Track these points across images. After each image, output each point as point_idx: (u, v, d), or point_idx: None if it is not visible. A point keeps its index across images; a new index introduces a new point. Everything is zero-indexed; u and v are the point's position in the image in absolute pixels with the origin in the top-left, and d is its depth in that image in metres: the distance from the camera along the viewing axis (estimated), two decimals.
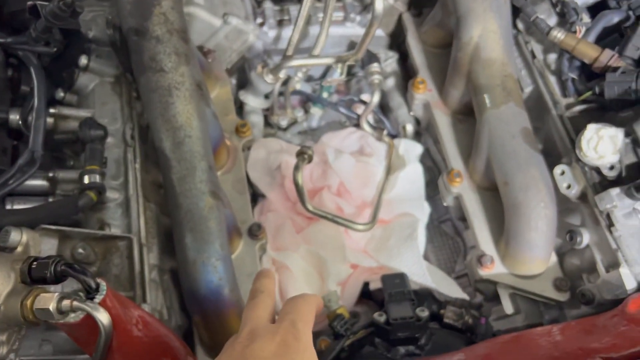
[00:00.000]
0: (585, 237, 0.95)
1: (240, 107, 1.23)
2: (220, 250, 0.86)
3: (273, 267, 1.01)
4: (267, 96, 1.22)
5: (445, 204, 1.11)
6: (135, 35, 0.93)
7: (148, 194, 0.96)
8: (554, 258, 0.98)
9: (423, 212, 1.08)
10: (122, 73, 1.02)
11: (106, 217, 0.89)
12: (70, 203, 0.83)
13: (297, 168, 0.99)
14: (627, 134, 0.91)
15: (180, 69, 0.94)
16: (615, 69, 0.96)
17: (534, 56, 1.08)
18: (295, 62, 1.11)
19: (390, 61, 1.27)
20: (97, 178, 0.86)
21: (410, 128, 1.21)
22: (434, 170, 1.23)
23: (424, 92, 1.16)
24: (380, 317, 0.91)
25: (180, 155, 0.91)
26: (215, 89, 1.15)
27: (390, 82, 1.26)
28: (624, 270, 0.88)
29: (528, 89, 1.08)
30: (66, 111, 0.96)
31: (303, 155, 1.01)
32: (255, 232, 1.00)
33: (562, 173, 0.96)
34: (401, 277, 0.96)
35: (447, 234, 1.19)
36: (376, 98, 1.16)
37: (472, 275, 1.02)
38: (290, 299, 0.62)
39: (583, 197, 0.95)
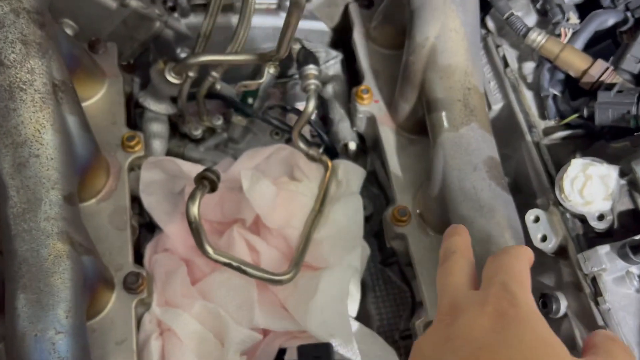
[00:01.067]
0: (563, 305, 0.72)
1: (142, 113, 0.98)
2: (64, 319, 0.62)
3: (157, 329, 0.77)
4: (175, 100, 0.97)
5: (388, 246, 0.88)
6: None
7: None
8: None
9: (360, 258, 0.85)
10: None
11: None
12: None
13: (192, 198, 0.74)
14: (622, 174, 0.69)
15: (29, 63, 0.69)
16: (609, 87, 0.73)
17: (506, 64, 0.85)
18: (204, 58, 0.86)
19: (332, 62, 1.03)
20: None
21: (353, 146, 0.98)
22: (381, 198, 1.00)
23: (369, 103, 0.92)
24: None
25: (22, 181, 0.66)
26: (101, 90, 0.89)
27: (331, 88, 1.02)
28: None
29: (497, 106, 0.85)
30: None
31: (203, 182, 0.77)
32: (131, 284, 0.75)
33: (536, 220, 0.73)
34: (323, 350, 0.73)
35: (393, 281, 0.96)
36: (311, 107, 0.92)
37: None
38: (493, 257, 0.51)
39: (562, 252, 0.73)
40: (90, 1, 0.92)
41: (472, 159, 0.75)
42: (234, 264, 0.78)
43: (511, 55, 0.85)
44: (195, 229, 0.75)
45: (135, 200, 0.88)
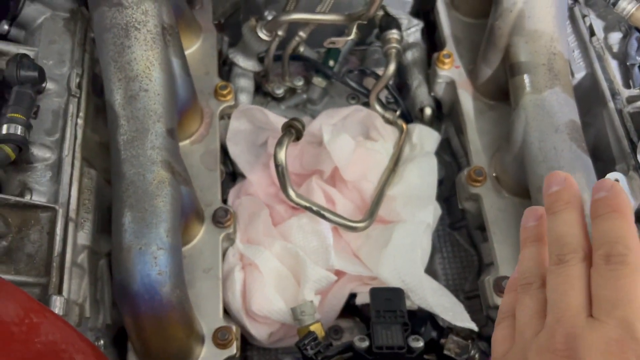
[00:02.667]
0: None
1: (229, 70, 1.04)
2: (165, 237, 0.68)
3: (240, 263, 0.82)
4: (262, 59, 1.02)
5: (460, 207, 0.90)
6: None
7: (92, 158, 0.78)
8: None
9: (432, 215, 0.87)
10: (79, 7, 0.83)
11: (30, 181, 0.71)
12: None
13: (280, 144, 0.79)
14: None
15: (144, 5, 0.75)
16: None
17: (592, 34, 0.86)
18: (295, 16, 0.91)
19: (413, 30, 1.06)
20: (19, 130, 0.67)
21: (429, 112, 1.00)
22: (453, 166, 1.02)
23: (450, 68, 0.95)
24: (361, 343, 0.71)
25: (132, 112, 0.73)
26: (196, 42, 0.96)
27: (411, 55, 1.04)
28: None
29: (580, 75, 0.86)
30: (2, 46, 0.78)
31: (290, 130, 0.81)
32: (220, 218, 0.81)
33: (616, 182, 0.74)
34: (395, 293, 0.77)
35: (460, 244, 0.98)
36: (390, 71, 0.96)
37: (485, 300, 0.81)
38: (609, 276, 0.36)
39: None
40: None
41: (554, 121, 0.76)
42: (314, 208, 0.82)
43: (598, 25, 0.86)
44: (281, 172, 0.80)
45: (221, 148, 0.94)
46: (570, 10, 0.89)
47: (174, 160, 0.74)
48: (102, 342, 0.71)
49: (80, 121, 0.76)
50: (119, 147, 0.71)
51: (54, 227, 0.67)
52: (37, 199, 0.70)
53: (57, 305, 0.62)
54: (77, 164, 0.73)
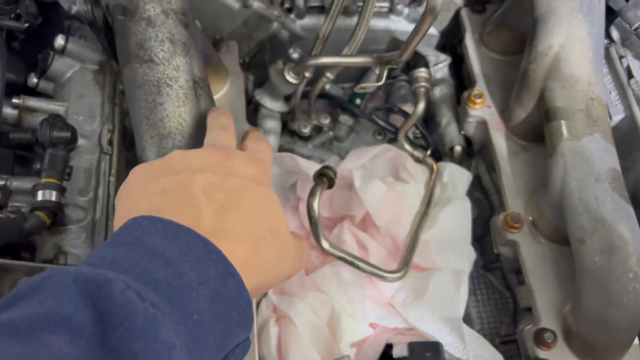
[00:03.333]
0: None
1: (255, 109, 1.03)
2: None
3: (274, 315, 0.81)
4: (287, 98, 1.01)
5: (496, 252, 0.88)
6: (122, 14, 0.73)
7: None
8: (636, 342, 0.75)
9: (468, 261, 0.86)
10: (108, 60, 0.83)
11: (64, 244, 0.70)
12: (14, 226, 0.64)
13: (313, 194, 0.78)
14: None
15: (175, 61, 0.74)
16: None
17: (630, 76, 0.84)
18: (324, 60, 0.90)
19: (441, 66, 1.05)
20: (53, 195, 0.67)
21: (459, 150, 0.99)
22: (484, 203, 1.01)
23: (482, 108, 0.93)
24: None
25: None
26: (224, 86, 0.94)
27: (439, 91, 1.03)
28: None
29: (618, 117, 0.84)
30: (33, 103, 0.77)
31: (322, 178, 0.80)
32: None
33: None
34: (434, 348, 0.75)
35: (495, 286, 0.97)
36: (420, 110, 0.94)
37: (524, 351, 0.80)
38: (249, 139, 0.63)
39: None
40: (216, 1, 0.97)
41: (594, 170, 0.75)
42: (348, 258, 0.81)
43: (636, 66, 0.84)
44: (314, 222, 0.79)
45: None
46: (607, 50, 0.87)
47: None
48: None
49: (112, 179, 0.75)
50: None
51: None
52: (72, 262, 0.69)
53: None
54: (111, 223, 0.73)
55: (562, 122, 0.79)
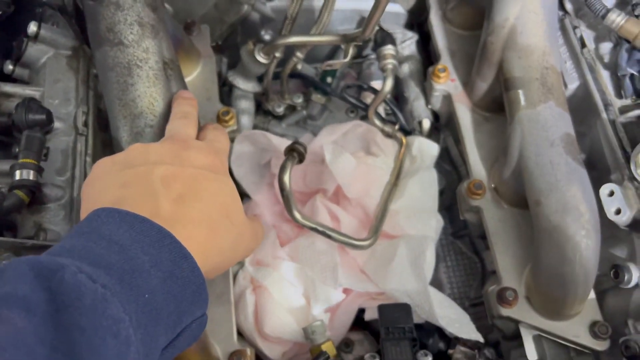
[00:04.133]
0: (635, 275, 0.76)
1: (230, 91, 1.06)
2: None
3: (250, 285, 0.85)
4: (260, 79, 1.04)
5: (462, 218, 0.92)
6: None
7: None
8: (592, 296, 0.80)
9: (435, 227, 0.90)
10: (80, 45, 0.85)
11: (44, 221, 0.73)
12: None
13: (283, 169, 0.82)
14: None
15: (144, 43, 0.77)
16: None
17: (583, 45, 0.88)
18: (292, 39, 0.93)
19: (408, 43, 1.08)
20: (31, 174, 0.70)
21: (427, 124, 1.02)
22: (453, 174, 1.05)
23: (446, 82, 0.97)
24: None
25: None
26: (196, 69, 0.97)
27: (407, 67, 1.06)
28: None
29: (573, 86, 0.88)
30: (9, 88, 0.80)
31: (292, 153, 0.84)
32: None
33: (611, 194, 0.77)
34: (403, 309, 0.79)
35: (463, 252, 1.01)
36: (388, 86, 0.97)
37: (489, 310, 0.84)
38: (206, 128, 0.68)
39: (635, 225, 0.76)
40: None
41: (549, 135, 0.78)
42: (320, 228, 0.85)
43: (588, 36, 0.88)
44: (286, 196, 0.82)
45: None
46: (561, 21, 0.91)
47: None
48: None
49: (89, 159, 0.78)
50: None
51: None
52: (52, 238, 0.72)
53: None
54: None
55: (520, 91, 0.82)
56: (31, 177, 0.69)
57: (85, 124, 0.80)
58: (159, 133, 0.76)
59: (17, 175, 0.69)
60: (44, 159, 0.74)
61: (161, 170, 0.54)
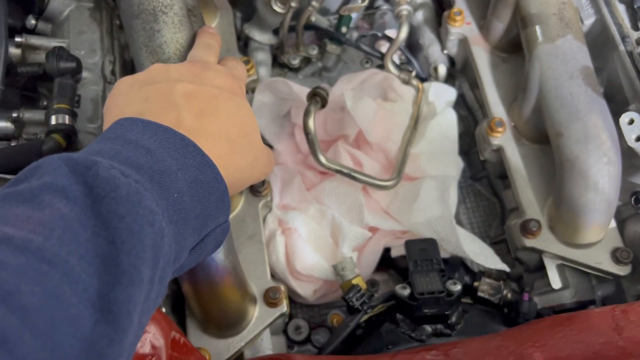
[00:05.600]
0: None
1: (245, 44, 1.07)
2: None
3: (279, 228, 0.87)
4: (276, 31, 1.05)
5: (482, 159, 0.94)
6: None
7: None
8: (613, 224, 0.82)
9: (456, 168, 0.92)
10: None
11: None
12: (33, 148, 0.69)
13: (307, 113, 0.84)
14: None
15: None
16: None
17: None
18: None
19: None
20: (66, 119, 0.71)
21: (443, 69, 1.04)
22: (469, 120, 1.06)
23: (462, 25, 0.98)
24: (403, 291, 0.77)
25: None
26: (214, 21, 0.98)
27: (421, 14, 1.07)
28: None
29: (589, 21, 0.89)
30: (35, 40, 0.81)
31: (315, 98, 0.85)
32: (257, 187, 0.86)
33: (631, 122, 0.78)
34: (429, 244, 0.81)
35: (482, 194, 1.03)
36: (403, 33, 0.99)
37: (512, 243, 0.87)
38: (226, 59, 0.69)
39: None
40: None
41: (568, 68, 0.80)
42: (345, 170, 0.87)
43: None
44: (311, 139, 0.84)
45: None
46: None
47: None
48: (163, 309, 0.76)
49: None
50: None
51: None
52: None
53: None
54: None
55: (537, 27, 0.84)
56: (67, 122, 0.71)
57: (113, 73, 0.81)
58: None
59: (53, 120, 0.70)
60: (76, 105, 0.75)
61: (182, 86, 0.56)
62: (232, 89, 0.60)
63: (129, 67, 0.85)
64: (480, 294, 0.83)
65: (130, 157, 0.46)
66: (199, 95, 0.56)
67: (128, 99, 0.56)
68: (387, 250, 0.90)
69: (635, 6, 0.84)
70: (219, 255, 0.71)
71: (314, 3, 1.00)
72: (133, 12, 0.77)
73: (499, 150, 0.90)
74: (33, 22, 0.85)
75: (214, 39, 0.71)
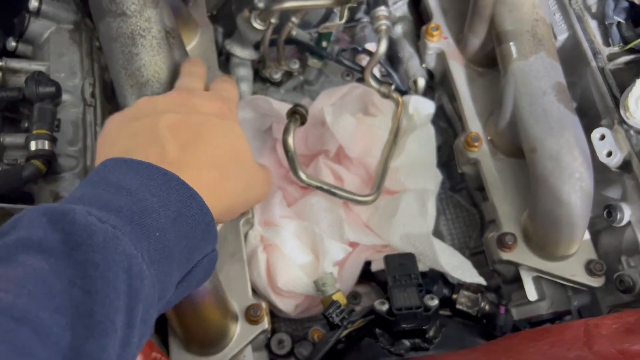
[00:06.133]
0: (627, 213, 0.80)
1: (227, 60, 1.08)
2: None
3: (261, 244, 0.88)
4: (257, 46, 1.06)
5: (460, 172, 0.96)
6: None
7: None
8: (587, 237, 0.84)
9: (434, 181, 0.93)
10: (82, 18, 0.87)
11: (60, 190, 0.76)
12: (14, 174, 0.70)
13: (287, 131, 0.85)
14: None
15: (146, 13, 0.78)
16: None
17: None
18: (287, 4, 0.95)
19: (400, 4, 1.10)
20: (46, 144, 0.72)
21: (422, 83, 1.05)
22: (449, 131, 1.08)
23: (439, 40, 0.99)
24: (381, 306, 0.78)
25: None
26: (194, 38, 0.99)
27: (400, 28, 1.09)
28: None
29: (562, 37, 0.91)
30: (15, 64, 0.82)
31: (295, 116, 0.86)
32: None
33: (602, 137, 0.80)
34: (408, 258, 0.83)
35: (462, 205, 1.05)
36: (382, 48, 1.00)
37: (490, 256, 0.88)
38: (215, 82, 0.68)
39: (626, 166, 0.80)
40: None
41: (542, 85, 0.82)
42: (325, 187, 0.88)
43: None
44: (291, 157, 0.85)
45: None
46: None
47: None
48: None
49: (98, 129, 0.80)
50: None
51: None
52: None
53: None
54: None
55: (511, 44, 0.85)
56: (46, 147, 0.72)
57: (93, 95, 0.82)
58: None
59: (33, 145, 0.71)
60: (56, 129, 0.76)
61: (167, 118, 0.56)
62: (220, 113, 0.60)
63: (110, 89, 0.85)
64: (458, 306, 0.84)
65: (110, 200, 0.46)
66: (184, 125, 0.56)
67: (116, 137, 0.57)
68: (368, 264, 0.91)
69: (606, 22, 0.86)
70: None
71: (293, 19, 1.01)
72: (112, 35, 0.78)
73: (476, 164, 0.91)
74: (13, 44, 0.86)
75: (199, 66, 0.71)
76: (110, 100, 0.86)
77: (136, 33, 0.78)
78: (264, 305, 0.81)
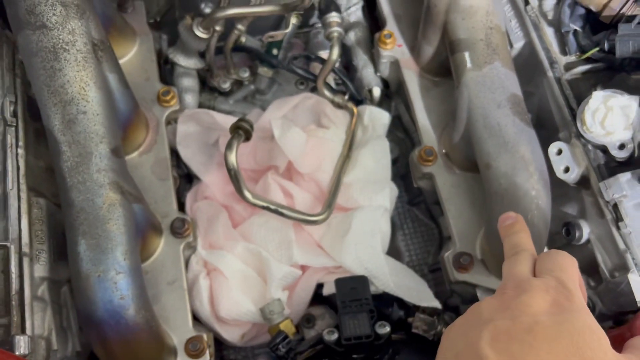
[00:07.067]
0: (585, 232, 0.76)
1: (172, 68, 1.02)
2: (122, 260, 0.67)
3: (204, 270, 0.83)
4: (203, 54, 1.00)
5: (416, 186, 0.92)
6: None
7: (39, 185, 0.76)
8: None
9: (389, 197, 0.89)
10: (2, 30, 0.80)
11: None
12: None
13: (230, 147, 0.79)
14: None
15: (69, 25, 0.72)
16: (629, 19, 0.75)
17: (526, 2, 0.86)
18: (231, 12, 0.89)
19: (353, 9, 1.05)
20: None
21: (377, 92, 1.00)
22: (406, 142, 1.03)
23: (393, 47, 0.94)
24: (330, 336, 0.74)
25: (72, 137, 0.71)
26: (132, 48, 0.93)
27: (354, 35, 1.04)
28: (633, 277, 0.70)
29: (518, 45, 0.87)
30: None
31: (238, 131, 0.81)
32: (178, 229, 0.81)
33: (559, 152, 0.76)
34: (359, 282, 0.79)
35: (420, 219, 1.00)
36: (335, 55, 0.95)
37: (446, 276, 0.84)
38: (549, 254, 0.56)
39: (584, 182, 0.76)
40: None
41: (496, 97, 0.77)
42: (272, 207, 0.83)
43: None
44: (234, 175, 0.80)
45: (173, 152, 0.93)
46: None
47: (122, 179, 0.73)
48: None
49: (20, 150, 0.74)
50: (64, 174, 0.70)
51: (8, 265, 0.67)
52: None
53: (22, 345, 0.63)
54: (24, 195, 0.72)
55: (465, 53, 0.81)
56: None
57: (14, 114, 0.75)
58: (93, 119, 0.72)
59: None
60: None
61: (489, 330, 0.48)
62: (554, 307, 0.49)
63: (35, 105, 0.79)
64: (414, 330, 0.80)
65: None
66: (509, 335, 0.48)
67: (442, 355, 0.51)
68: (320, 285, 0.86)
69: (562, 30, 0.82)
70: (129, 312, 0.66)
71: (239, 26, 0.96)
72: (31, 49, 0.72)
73: (431, 178, 0.87)
74: None
75: (520, 230, 0.61)
76: (37, 118, 0.80)
77: (58, 47, 0.72)
78: (205, 337, 0.76)
